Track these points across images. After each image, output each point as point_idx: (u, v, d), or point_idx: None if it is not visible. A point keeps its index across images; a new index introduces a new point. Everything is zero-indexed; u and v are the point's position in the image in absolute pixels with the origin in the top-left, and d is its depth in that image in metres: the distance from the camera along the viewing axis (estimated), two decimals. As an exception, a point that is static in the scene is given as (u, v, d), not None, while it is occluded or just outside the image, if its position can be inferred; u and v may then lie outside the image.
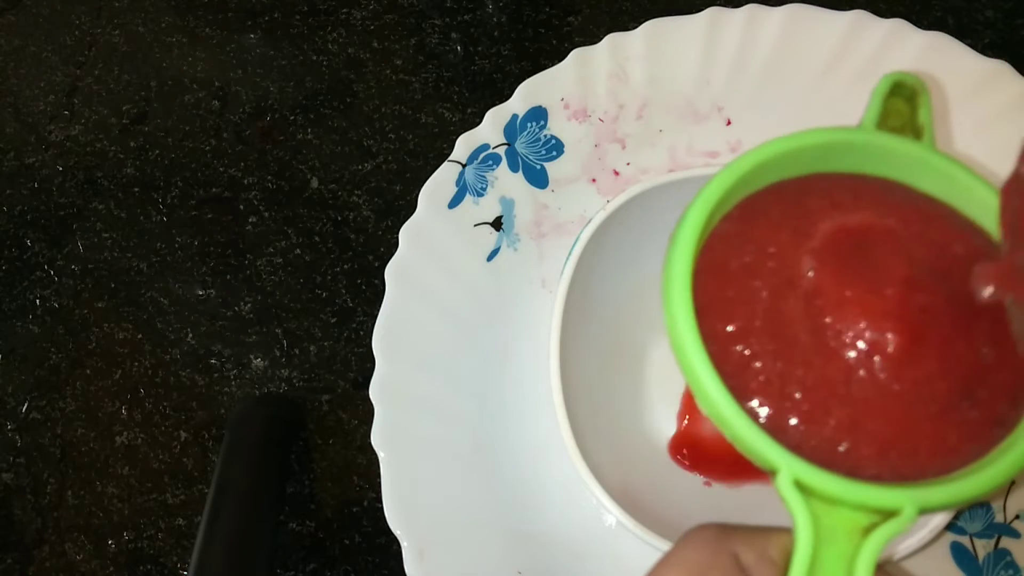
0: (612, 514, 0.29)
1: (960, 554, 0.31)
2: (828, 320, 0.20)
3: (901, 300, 0.20)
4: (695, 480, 0.34)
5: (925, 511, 0.19)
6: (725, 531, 0.21)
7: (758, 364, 0.20)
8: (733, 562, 0.20)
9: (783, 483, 0.19)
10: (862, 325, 0.20)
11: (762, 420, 0.20)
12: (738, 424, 0.19)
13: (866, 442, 0.19)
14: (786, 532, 0.20)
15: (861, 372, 0.20)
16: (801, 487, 0.19)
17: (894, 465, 0.19)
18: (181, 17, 0.46)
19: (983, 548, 0.31)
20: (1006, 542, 0.31)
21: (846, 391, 0.20)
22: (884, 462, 0.19)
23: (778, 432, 0.20)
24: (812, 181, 0.22)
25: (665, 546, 0.28)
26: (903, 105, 0.24)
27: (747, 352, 0.20)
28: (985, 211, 0.22)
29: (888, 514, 0.19)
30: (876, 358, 0.19)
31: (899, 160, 0.22)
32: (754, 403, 0.20)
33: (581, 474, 0.29)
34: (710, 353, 0.20)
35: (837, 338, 0.20)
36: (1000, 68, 0.34)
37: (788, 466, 0.19)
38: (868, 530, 0.19)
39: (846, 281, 0.20)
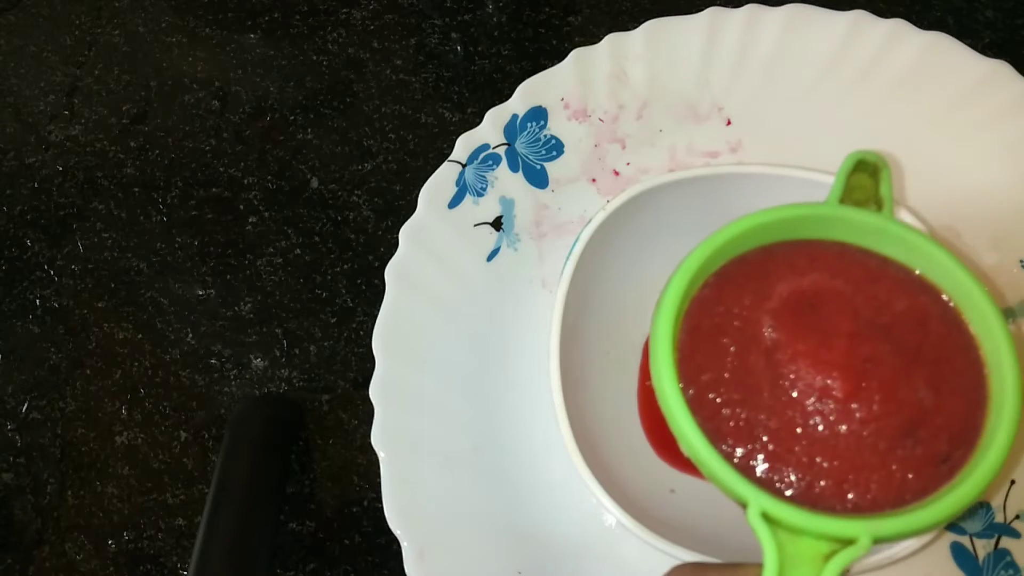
0: (612, 514, 0.29)
1: (960, 554, 0.31)
2: (784, 371, 0.23)
3: (846, 351, 0.23)
4: (695, 480, 0.34)
5: (879, 540, 0.21)
6: (699, 568, 0.23)
7: (728, 411, 0.23)
8: None
9: (752, 515, 0.21)
10: (813, 374, 0.23)
11: (735, 460, 0.22)
12: (712, 464, 0.22)
13: (824, 477, 0.22)
14: (756, 566, 0.22)
15: (816, 416, 0.22)
16: (768, 518, 0.21)
17: (850, 498, 0.22)
18: (181, 17, 0.46)
19: (983, 548, 0.31)
20: (1006, 542, 0.31)
21: (804, 433, 0.22)
22: (840, 495, 0.22)
23: (748, 470, 0.22)
24: (778, 249, 0.26)
25: (665, 546, 0.28)
26: (867, 180, 0.27)
27: (719, 400, 0.23)
28: (940, 270, 0.24)
29: (846, 542, 0.21)
30: (827, 403, 0.22)
31: (862, 229, 0.25)
32: (728, 444, 0.23)
33: (581, 474, 0.29)
34: (689, 400, 0.23)
35: (793, 386, 0.23)
36: (1000, 68, 0.34)
37: (755, 500, 0.21)
38: (828, 556, 0.21)
39: (799, 336, 0.23)
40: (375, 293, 0.40)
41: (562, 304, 0.31)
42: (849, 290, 0.24)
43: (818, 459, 0.22)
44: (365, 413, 0.37)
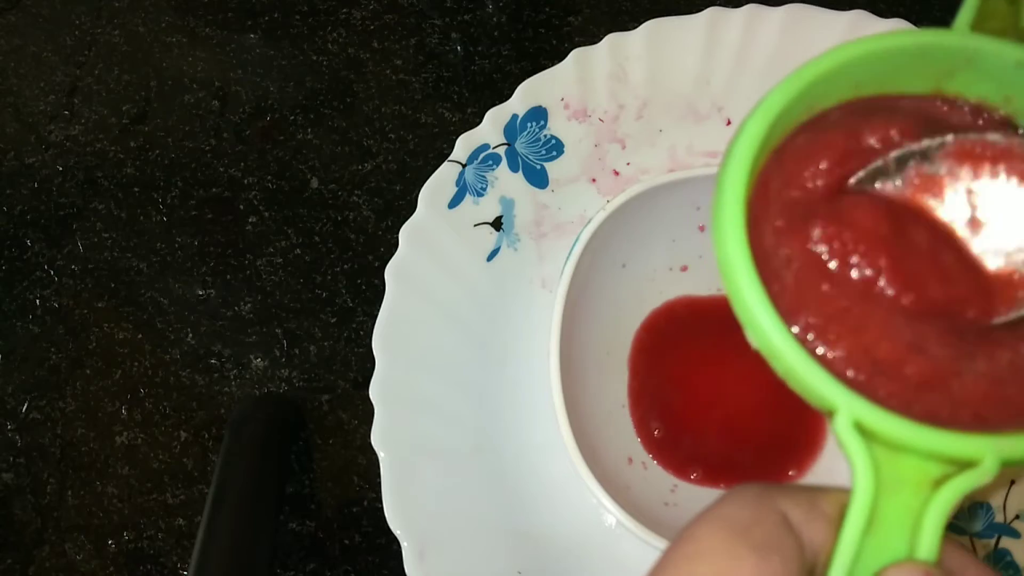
0: (612, 514, 0.29)
1: (960, 554, 0.31)
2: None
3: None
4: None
5: (1008, 464, 0.17)
6: (770, 489, 0.19)
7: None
8: (780, 519, 0.18)
9: (842, 425, 0.17)
10: (925, 252, 0.18)
11: (818, 356, 0.18)
12: (793, 357, 0.17)
13: (930, 383, 0.17)
14: (837, 490, 0.19)
15: (923, 302, 0.18)
16: (862, 430, 0.17)
17: (938, 408, 0.17)
18: (181, 17, 0.46)
19: (983, 548, 0.31)
20: (1006, 542, 0.31)
21: (905, 324, 0.18)
22: (950, 407, 0.17)
23: (834, 369, 0.18)
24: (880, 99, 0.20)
25: (664, 546, 0.28)
26: (1003, 5, 0.21)
27: (799, 283, 0.18)
28: None
29: (963, 465, 0.17)
30: (940, 289, 0.18)
31: (999, 67, 0.20)
32: (809, 337, 0.18)
33: (581, 474, 0.29)
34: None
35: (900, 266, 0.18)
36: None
37: (848, 405, 0.17)
38: (939, 482, 0.17)
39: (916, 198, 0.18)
40: (375, 293, 0.40)
41: (562, 304, 0.31)
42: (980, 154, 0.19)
43: (923, 359, 0.17)
44: (365, 413, 0.37)
